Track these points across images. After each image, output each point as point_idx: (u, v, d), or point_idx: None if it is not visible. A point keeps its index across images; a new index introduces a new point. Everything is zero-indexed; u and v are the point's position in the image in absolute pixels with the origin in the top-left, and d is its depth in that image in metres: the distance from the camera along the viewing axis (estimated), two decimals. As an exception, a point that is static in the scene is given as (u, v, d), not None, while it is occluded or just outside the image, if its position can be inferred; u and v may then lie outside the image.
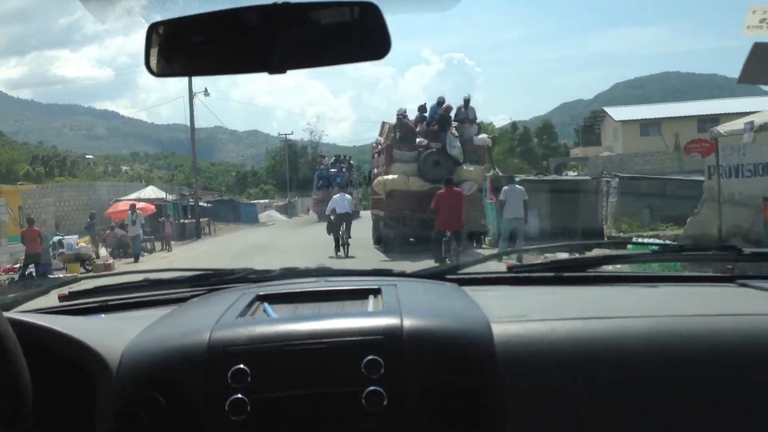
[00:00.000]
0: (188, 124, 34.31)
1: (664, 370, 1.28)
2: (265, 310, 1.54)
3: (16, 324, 1.18)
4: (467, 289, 1.75)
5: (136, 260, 20.58)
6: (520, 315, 1.42)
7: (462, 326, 1.34)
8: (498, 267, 2.18)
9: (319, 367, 1.26)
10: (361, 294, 1.62)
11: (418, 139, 16.93)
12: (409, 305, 1.42)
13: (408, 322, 1.31)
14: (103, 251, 22.50)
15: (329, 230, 16.81)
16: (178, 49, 1.40)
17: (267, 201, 68.35)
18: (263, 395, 1.23)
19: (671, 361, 1.29)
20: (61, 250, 18.78)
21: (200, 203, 37.50)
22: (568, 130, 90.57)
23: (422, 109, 18.09)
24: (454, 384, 1.25)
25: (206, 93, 35.90)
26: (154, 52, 1.37)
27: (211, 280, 2.03)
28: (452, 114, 17.31)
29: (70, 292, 1.99)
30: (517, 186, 14.48)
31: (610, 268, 2.05)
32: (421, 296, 1.62)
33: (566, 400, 1.27)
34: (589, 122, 60.13)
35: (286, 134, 75.47)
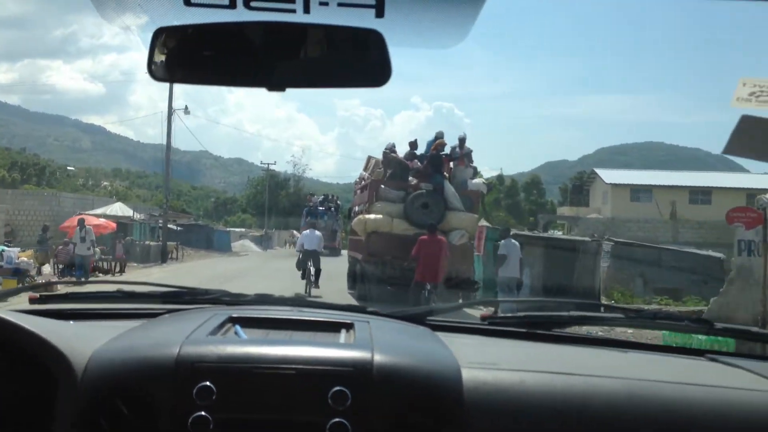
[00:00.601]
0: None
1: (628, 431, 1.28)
2: (236, 332, 1.52)
3: None
4: (440, 334, 1.72)
5: (81, 282, 18.03)
6: (490, 363, 1.41)
7: (432, 368, 1.34)
8: (472, 317, 2.11)
9: (286, 392, 1.25)
10: (334, 326, 1.61)
11: (409, 178, 15.28)
12: (381, 342, 1.41)
13: (379, 358, 1.30)
14: (47, 268, 20.44)
15: (298, 266, 16.16)
16: (182, 56, 1.40)
17: (243, 230, 66.71)
18: (226, 415, 1.22)
19: (635, 424, 1.28)
20: (-1, 263, 16.77)
21: (170, 226, 35.61)
22: (551, 188, 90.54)
23: (413, 145, 16.49)
24: (419, 424, 1.25)
25: (186, 111, 34.22)
26: (157, 56, 1.37)
27: (185, 298, 2.05)
28: (446, 151, 15.70)
29: (41, 296, 2.01)
30: (513, 241, 12.95)
31: (583, 329, 1.99)
32: (393, 335, 1.60)
33: None
34: (578, 182, 59.28)
35: (268, 164, 73.71)
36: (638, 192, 46.55)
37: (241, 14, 1.23)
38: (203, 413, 1.19)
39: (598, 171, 53.87)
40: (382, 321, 1.77)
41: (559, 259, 16.63)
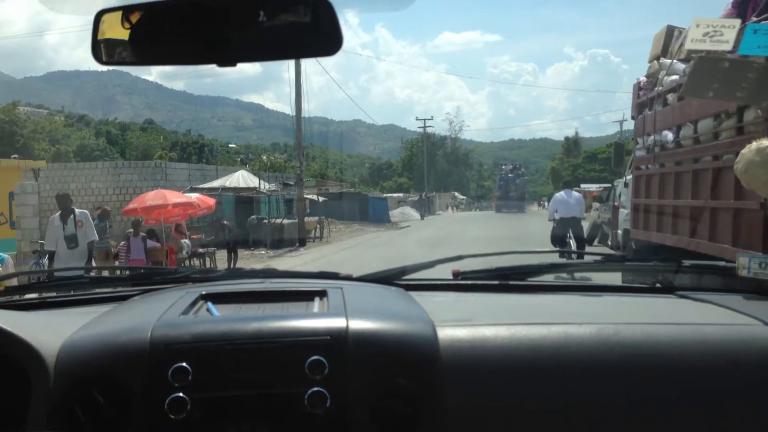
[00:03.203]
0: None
1: (604, 376, 1.28)
2: (208, 309, 1.50)
3: None
4: (413, 294, 1.72)
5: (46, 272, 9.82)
6: (465, 319, 1.41)
7: (407, 329, 1.33)
8: (444, 273, 2.05)
9: (263, 367, 1.23)
10: (307, 295, 1.58)
11: None
12: (354, 307, 1.40)
13: (353, 324, 1.30)
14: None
15: (553, 240, 12.67)
16: (127, 37, 1.35)
17: (401, 195, 59.02)
18: (204, 395, 1.20)
19: (608, 368, 1.29)
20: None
21: (310, 197, 28.06)
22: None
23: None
24: (397, 387, 1.25)
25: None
26: (102, 39, 1.35)
27: (154, 279, 2.02)
28: None
29: (5, 288, 1.96)
30: None
31: (553, 277, 1.95)
32: (367, 299, 1.59)
33: (508, 404, 1.26)
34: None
35: (425, 119, 65.22)
36: None
37: None
38: (180, 394, 1.18)
39: None
40: (354, 286, 1.73)
41: None
